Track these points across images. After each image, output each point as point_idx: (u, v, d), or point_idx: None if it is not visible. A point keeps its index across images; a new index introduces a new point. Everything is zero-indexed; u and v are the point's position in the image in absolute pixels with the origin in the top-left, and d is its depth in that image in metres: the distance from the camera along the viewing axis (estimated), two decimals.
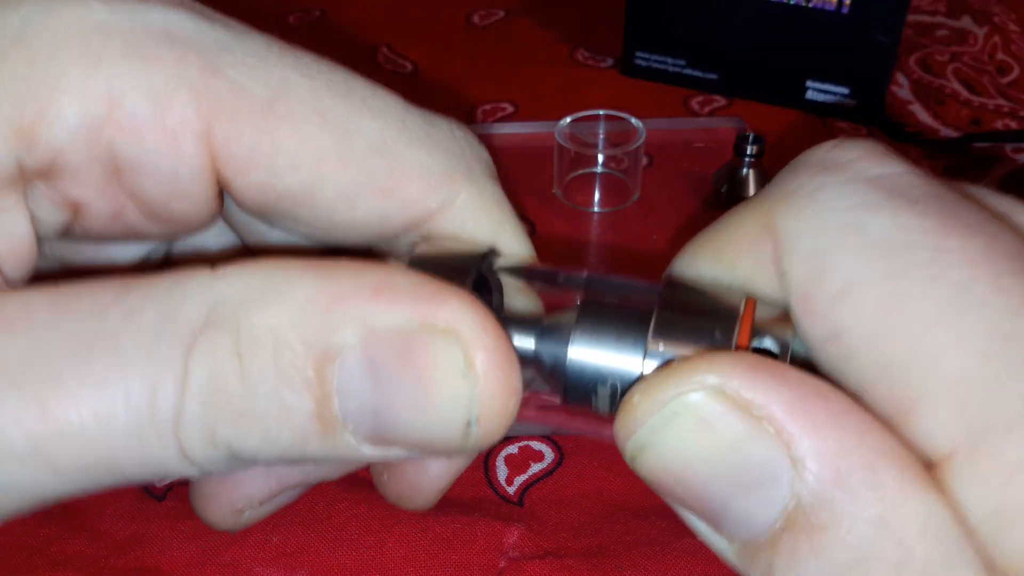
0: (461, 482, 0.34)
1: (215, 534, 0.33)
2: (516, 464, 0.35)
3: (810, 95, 0.55)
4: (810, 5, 0.52)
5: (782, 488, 0.15)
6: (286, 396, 0.17)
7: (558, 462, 0.35)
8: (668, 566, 0.32)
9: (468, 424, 0.17)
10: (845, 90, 0.55)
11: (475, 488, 0.34)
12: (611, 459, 0.35)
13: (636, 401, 0.16)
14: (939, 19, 0.68)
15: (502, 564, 0.32)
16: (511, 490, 0.34)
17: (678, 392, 0.16)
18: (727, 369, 0.16)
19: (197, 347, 0.17)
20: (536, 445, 0.36)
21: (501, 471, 0.35)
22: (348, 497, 0.34)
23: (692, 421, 0.16)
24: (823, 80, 0.55)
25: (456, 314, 0.17)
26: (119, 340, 0.17)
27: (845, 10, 0.52)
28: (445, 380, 0.17)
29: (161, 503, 0.34)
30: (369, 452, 0.17)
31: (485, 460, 0.35)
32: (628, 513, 0.33)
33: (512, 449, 0.36)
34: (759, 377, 0.16)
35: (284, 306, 0.17)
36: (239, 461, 0.17)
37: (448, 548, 0.32)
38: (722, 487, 0.16)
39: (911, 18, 0.66)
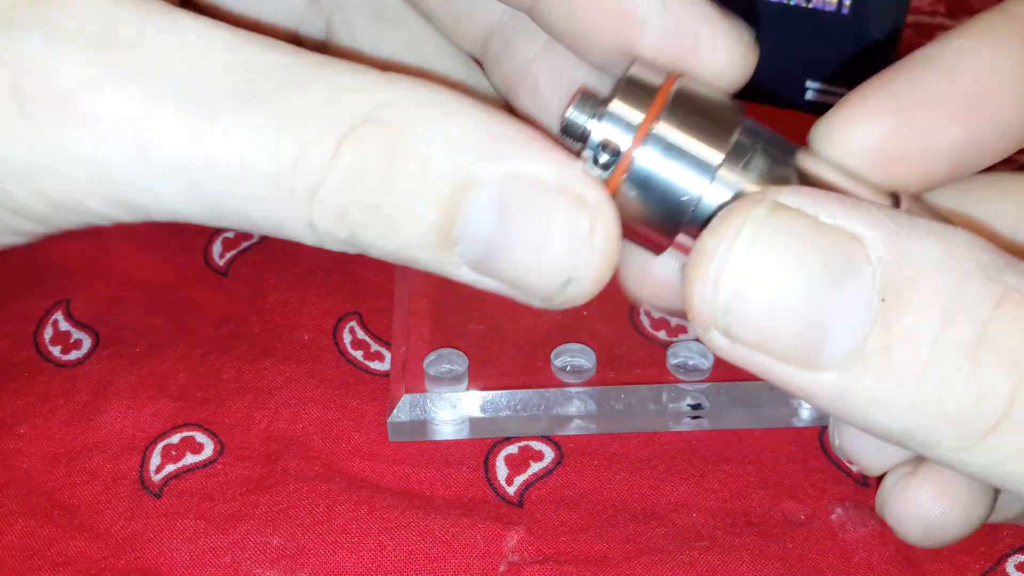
0: (461, 482, 0.34)
1: (214, 535, 0.33)
2: (516, 463, 0.35)
3: (810, 95, 0.55)
4: (810, 5, 0.52)
5: (865, 275, 0.16)
6: (419, 204, 0.18)
7: (558, 461, 0.35)
8: None
9: (568, 281, 0.18)
10: (845, 90, 0.54)
11: (475, 488, 0.34)
12: (611, 458, 0.35)
13: (708, 243, 0.17)
14: (939, 19, 0.68)
15: (502, 568, 0.32)
16: (511, 490, 0.34)
17: (744, 214, 0.17)
18: (777, 193, 0.17)
19: (355, 134, 0.18)
20: (536, 445, 0.36)
21: (501, 471, 0.35)
22: (348, 499, 0.34)
23: (768, 234, 0.17)
24: (823, 80, 0.55)
25: (593, 189, 0.18)
26: (283, 101, 0.18)
27: (845, 10, 0.52)
28: (565, 237, 0.18)
29: (158, 500, 0.34)
30: (466, 275, 0.19)
31: (485, 460, 0.35)
32: (628, 516, 0.33)
33: (512, 449, 0.36)
34: (804, 191, 0.17)
35: (445, 126, 0.18)
36: (353, 246, 0.19)
37: (448, 551, 0.32)
38: (815, 288, 0.17)
39: (911, 18, 0.66)
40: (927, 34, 0.66)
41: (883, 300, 0.16)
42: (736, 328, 0.17)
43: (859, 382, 0.16)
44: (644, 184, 0.19)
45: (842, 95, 0.60)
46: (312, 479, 0.34)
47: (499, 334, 0.39)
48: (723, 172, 0.19)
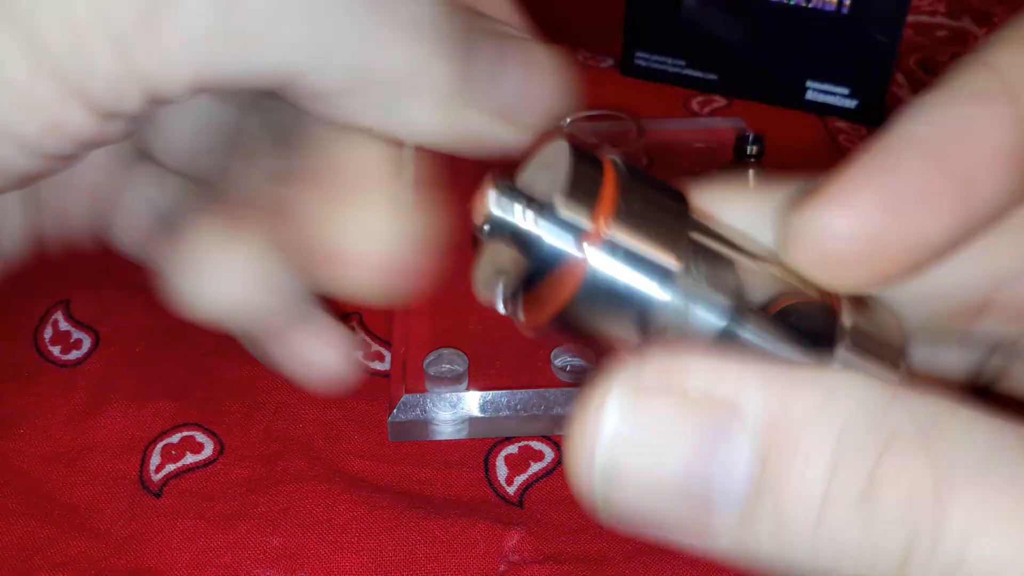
0: (461, 482, 0.34)
1: (214, 535, 0.33)
2: (516, 464, 0.35)
3: (810, 95, 0.55)
4: (810, 5, 0.52)
5: (742, 442, 0.16)
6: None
7: (558, 461, 0.35)
8: None
9: None
10: (845, 90, 0.55)
11: (475, 488, 0.34)
12: None
13: (574, 426, 0.16)
14: (939, 19, 0.68)
15: (502, 568, 0.32)
16: (511, 490, 0.34)
17: (596, 412, 0.16)
18: (639, 371, 0.16)
19: None
20: (536, 445, 0.36)
21: (501, 471, 0.35)
22: (348, 499, 0.34)
23: (633, 415, 0.16)
24: (823, 80, 0.55)
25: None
26: None
27: (845, 10, 0.52)
28: None
29: (158, 500, 0.34)
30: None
31: (485, 460, 0.35)
32: None
33: (512, 449, 0.36)
34: (671, 363, 0.16)
35: None
36: None
37: (448, 551, 0.32)
38: (691, 462, 0.16)
39: (911, 18, 0.66)
40: (927, 34, 0.66)
41: (765, 462, 0.16)
42: (617, 512, 0.17)
43: (755, 544, 0.16)
44: (600, 293, 0.17)
45: (842, 95, 0.60)
46: (312, 479, 0.34)
47: (499, 334, 0.39)
48: (680, 280, 0.18)
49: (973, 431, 0.16)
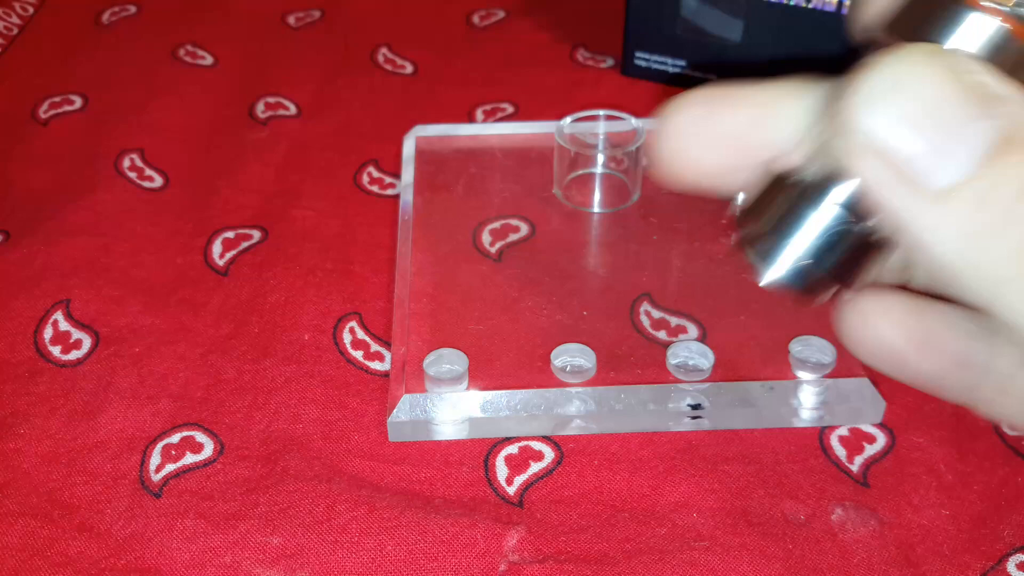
0: (461, 482, 0.34)
1: (214, 535, 0.33)
2: (516, 464, 0.35)
3: None
4: (810, 5, 0.52)
5: (994, 122, 0.18)
6: None
7: (558, 461, 0.35)
8: None
9: None
10: None
11: (475, 488, 0.34)
12: (611, 458, 0.35)
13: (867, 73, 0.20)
14: None
15: (502, 567, 0.32)
16: (511, 490, 0.34)
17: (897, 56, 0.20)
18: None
19: None
20: (536, 445, 0.36)
21: (501, 471, 0.35)
22: (348, 499, 0.34)
23: (928, 67, 0.19)
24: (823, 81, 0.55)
25: None
26: None
27: (845, 10, 0.52)
28: None
29: (158, 500, 0.34)
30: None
31: (485, 460, 0.35)
32: (628, 516, 0.33)
33: (512, 449, 0.36)
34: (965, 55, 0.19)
35: None
36: None
37: (448, 550, 0.32)
38: (955, 115, 0.18)
39: None
40: None
41: (1002, 144, 0.18)
42: (869, 121, 0.20)
43: (955, 213, 0.18)
44: None
45: None
46: (312, 479, 0.34)
47: (499, 334, 0.39)
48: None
49: None
